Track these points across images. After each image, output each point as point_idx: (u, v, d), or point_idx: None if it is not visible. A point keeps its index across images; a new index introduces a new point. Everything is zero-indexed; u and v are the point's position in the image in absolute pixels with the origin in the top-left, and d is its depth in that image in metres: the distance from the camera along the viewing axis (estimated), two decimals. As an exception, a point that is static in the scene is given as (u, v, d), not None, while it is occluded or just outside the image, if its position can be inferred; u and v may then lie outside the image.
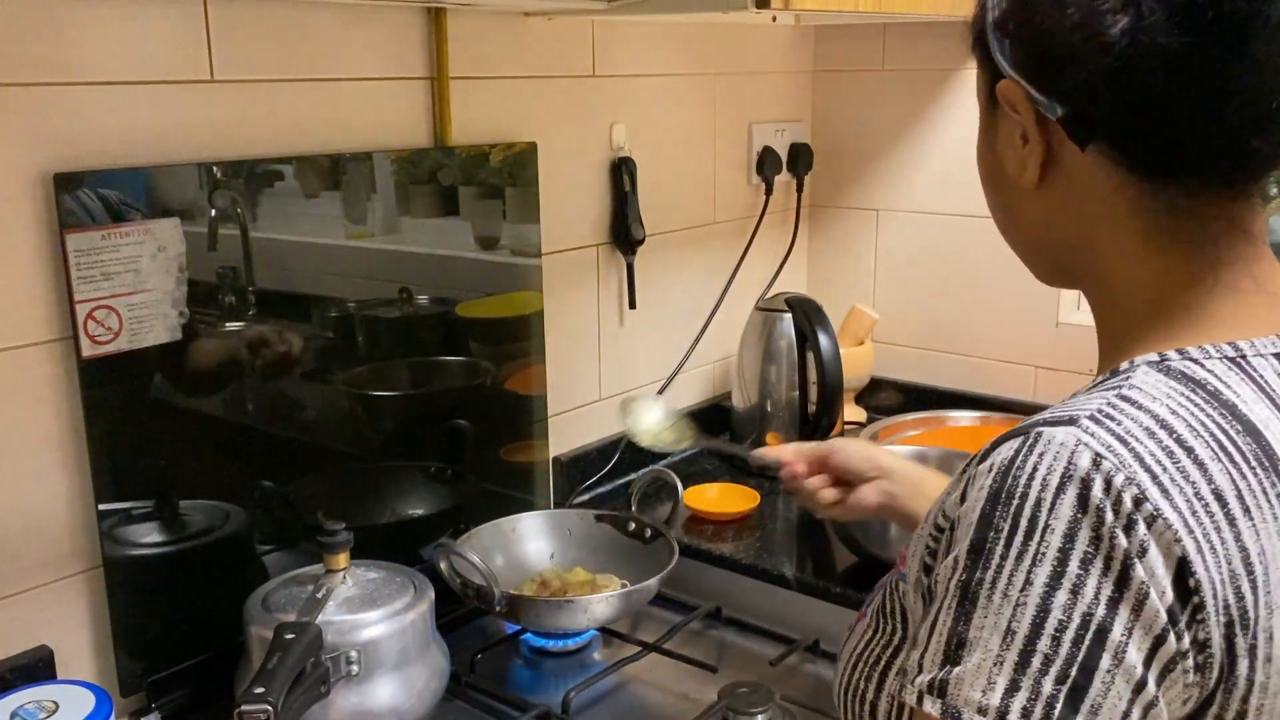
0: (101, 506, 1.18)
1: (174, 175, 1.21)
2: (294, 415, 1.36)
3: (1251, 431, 0.61)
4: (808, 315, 1.83)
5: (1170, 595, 0.56)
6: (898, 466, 1.10)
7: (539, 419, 1.67)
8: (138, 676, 1.23)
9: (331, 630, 1.12)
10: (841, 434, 1.92)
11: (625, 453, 1.81)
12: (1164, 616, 0.56)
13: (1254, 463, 0.60)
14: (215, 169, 1.24)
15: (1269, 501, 0.60)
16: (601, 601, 1.35)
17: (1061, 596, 0.56)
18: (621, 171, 1.75)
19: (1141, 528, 0.56)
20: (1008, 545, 0.58)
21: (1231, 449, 0.60)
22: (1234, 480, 0.59)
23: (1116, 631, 0.56)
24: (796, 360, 1.86)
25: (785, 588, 1.52)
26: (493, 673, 1.37)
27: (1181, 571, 0.56)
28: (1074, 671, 0.56)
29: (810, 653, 1.39)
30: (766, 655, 1.37)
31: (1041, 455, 0.59)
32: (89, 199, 1.14)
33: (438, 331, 1.53)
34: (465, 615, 1.47)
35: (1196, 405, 0.61)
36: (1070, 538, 0.57)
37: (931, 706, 0.59)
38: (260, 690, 0.98)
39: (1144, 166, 0.66)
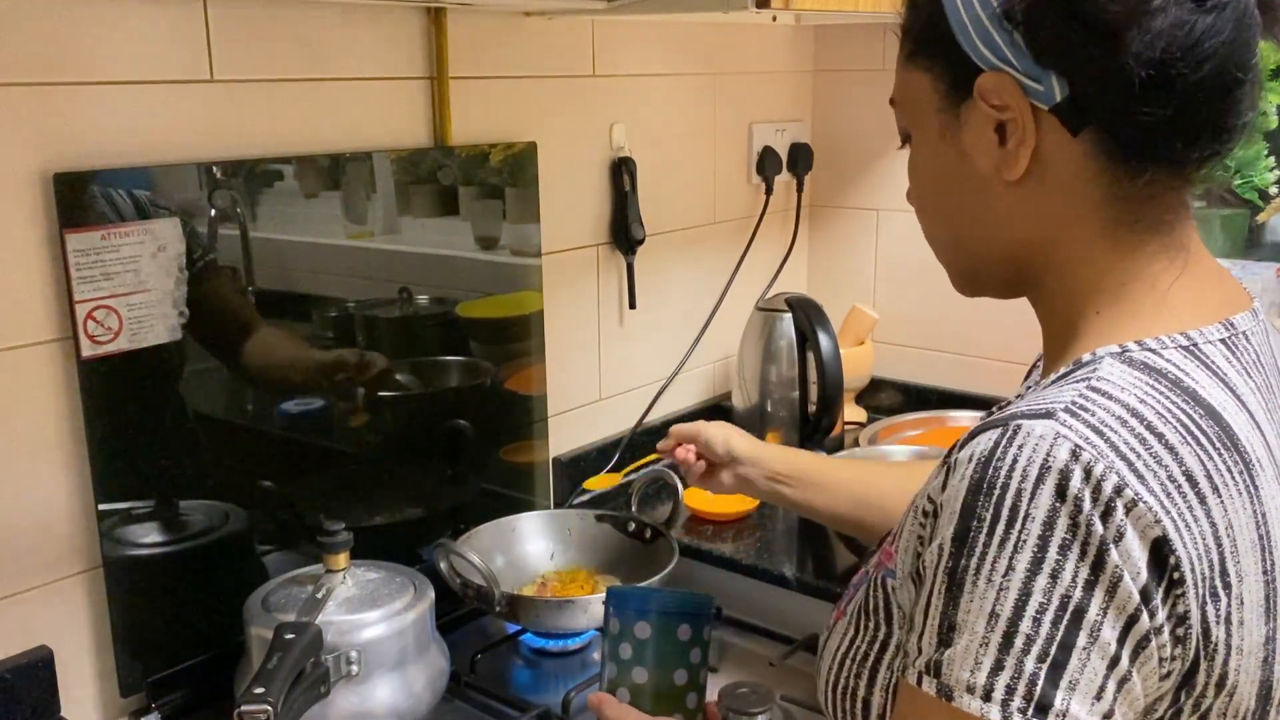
0: (101, 506, 1.18)
1: (174, 175, 1.21)
2: (294, 415, 1.36)
3: (1212, 415, 0.65)
4: (808, 315, 1.83)
5: (1145, 575, 0.60)
6: (751, 453, 1.22)
7: (539, 419, 1.67)
8: (138, 676, 1.23)
9: (331, 630, 1.12)
10: (842, 434, 1.93)
11: (625, 453, 1.81)
12: (1137, 597, 0.60)
13: (1217, 444, 0.64)
14: (215, 169, 1.24)
15: (1233, 478, 0.64)
16: (601, 601, 1.35)
17: (1041, 580, 0.60)
18: (621, 171, 1.75)
19: (1119, 513, 0.59)
20: (990, 533, 0.61)
21: (1197, 432, 0.64)
22: (1202, 461, 0.63)
23: (1092, 611, 0.59)
24: (796, 360, 1.86)
25: (785, 588, 1.52)
26: (493, 673, 1.37)
27: (1159, 551, 0.60)
28: (1054, 650, 0.59)
29: (810, 653, 1.39)
30: (766, 655, 1.37)
31: (1021, 447, 0.62)
32: (89, 198, 1.14)
33: (438, 331, 1.53)
34: (465, 615, 1.47)
35: (1161, 393, 0.64)
36: (1049, 525, 0.60)
37: (928, 686, 0.63)
38: (260, 690, 0.98)
39: (1130, 150, 0.69)
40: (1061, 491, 0.60)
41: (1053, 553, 0.60)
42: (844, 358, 1.82)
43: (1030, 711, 0.59)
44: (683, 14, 1.55)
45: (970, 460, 0.64)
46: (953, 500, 0.64)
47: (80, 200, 1.13)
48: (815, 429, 1.84)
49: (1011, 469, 0.61)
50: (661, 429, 1.91)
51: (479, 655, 1.36)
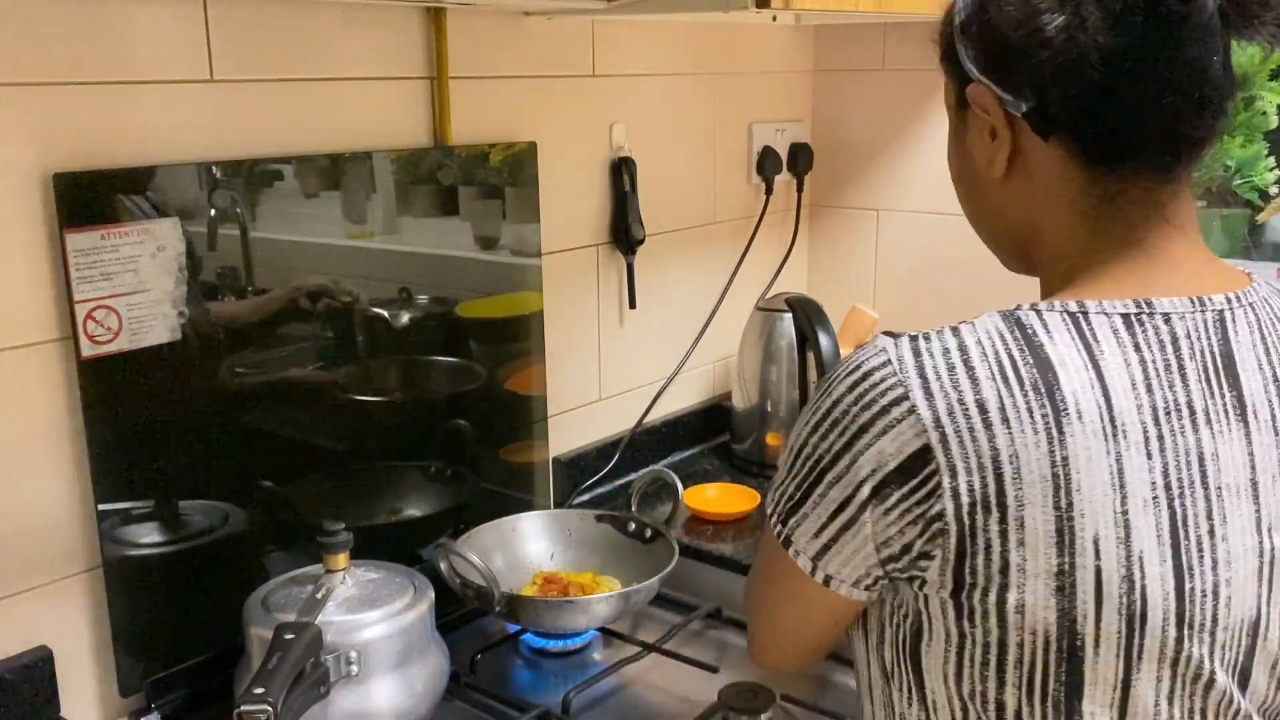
0: (101, 506, 1.18)
1: (174, 175, 1.21)
2: (294, 415, 1.36)
3: (1040, 365, 0.72)
4: (808, 315, 1.83)
5: (888, 469, 0.73)
6: None
7: (539, 419, 1.67)
8: (138, 676, 1.23)
9: (331, 630, 1.12)
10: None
11: (625, 453, 1.81)
12: (862, 480, 0.74)
13: (1028, 388, 0.72)
14: (215, 169, 1.24)
15: (1031, 418, 0.71)
16: (601, 602, 1.35)
17: (815, 438, 0.77)
18: (621, 171, 1.75)
19: (892, 415, 0.73)
20: (812, 400, 0.80)
21: (1010, 374, 0.72)
22: (1000, 397, 0.71)
23: (831, 474, 0.76)
24: (796, 360, 1.86)
25: (785, 588, 1.52)
26: (493, 673, 1.37)
27: (922, 456, 0.72)
28: (800, 490, 0.79)
29: (810, 653, 1.38)
30: (766, 655, 1.37)
31: (859, 352, 0.77)
32: (89, 198, 1.14)
33: (438, 331, 1.53)
34: (465, 615, 1.47)
35: (1002, 340, 0.74)
36: (836, 403, 0.76)
37: (769, 506, 0.84)
38: (260, 690, 0.98)
39: (1093, 154, 0.77)
40: (854, 386, 0.75)
41: (827, 423, 0.76)
42: (844, 358, 1.82)
43: (780, 520, 0.81)
44: (683, 14, 1.55)
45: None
46: None
47: (80, 200, 1.13)
48: (815, 429, 1.84)
49: (846, 364, 0.77)
50: (662, 429, 1.92)
51: (479, 655, 1.36)
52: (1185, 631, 0.72)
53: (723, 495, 1.76)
